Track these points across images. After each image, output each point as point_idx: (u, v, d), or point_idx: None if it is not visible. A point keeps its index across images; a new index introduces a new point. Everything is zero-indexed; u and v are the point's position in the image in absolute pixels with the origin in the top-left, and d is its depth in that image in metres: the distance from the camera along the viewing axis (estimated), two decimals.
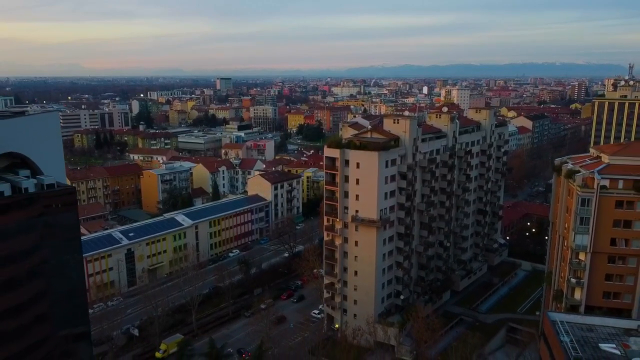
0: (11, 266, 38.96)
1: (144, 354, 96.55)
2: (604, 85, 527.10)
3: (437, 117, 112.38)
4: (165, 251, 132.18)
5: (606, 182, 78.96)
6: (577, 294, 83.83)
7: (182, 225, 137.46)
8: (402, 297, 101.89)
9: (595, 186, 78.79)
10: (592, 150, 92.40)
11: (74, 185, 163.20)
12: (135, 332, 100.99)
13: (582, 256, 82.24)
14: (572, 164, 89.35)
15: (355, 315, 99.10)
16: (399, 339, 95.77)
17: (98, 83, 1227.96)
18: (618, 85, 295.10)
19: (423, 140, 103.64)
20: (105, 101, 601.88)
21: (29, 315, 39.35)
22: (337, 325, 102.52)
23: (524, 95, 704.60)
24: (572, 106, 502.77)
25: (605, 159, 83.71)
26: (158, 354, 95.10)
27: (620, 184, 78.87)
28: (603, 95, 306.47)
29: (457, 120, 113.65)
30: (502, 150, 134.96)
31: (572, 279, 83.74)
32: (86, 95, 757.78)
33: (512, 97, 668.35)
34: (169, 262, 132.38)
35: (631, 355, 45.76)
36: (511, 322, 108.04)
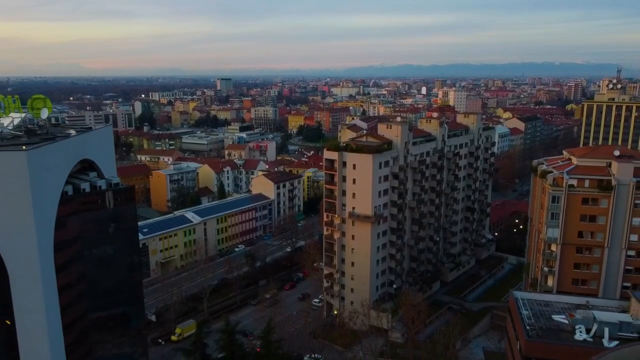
0: (95, 243, 49.86)
1: (161, 337, 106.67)
2: (600, 86, 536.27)
3: (427, 122, 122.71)
4: (176, 246, 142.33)
5: (574, 182, 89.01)
6: (550, 281, 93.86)
7: (192, 222, 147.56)
8: (394, 286, 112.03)
9: (564, 185, 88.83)
10: (564, 153, 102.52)
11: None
12: (153, 317, 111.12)
13: (553, 247, 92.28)
14: (546, 165, 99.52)
15: (352, 302, 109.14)
16: (391, 324, 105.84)
17: (98, 83, 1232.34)
18: (607, 88, 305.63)
19: (414, 144, 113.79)
20: (107, 102, 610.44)
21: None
22: (335, 312, 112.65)
23: (522, 96, 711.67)
24: (568, 107, 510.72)
25: (575, 160, 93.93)
26: (174, 337, 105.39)
27: (587, 183, 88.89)
28: (593, 97, 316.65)
29: (445, 125, 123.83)
30: (489, 152, 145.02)
31: (545, 268, 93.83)
32: (88, 96, 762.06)
33: (510, 97, 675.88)
34: (180, 256, 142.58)
35: (574, 322, 55.72)
36: (495, 310, 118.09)
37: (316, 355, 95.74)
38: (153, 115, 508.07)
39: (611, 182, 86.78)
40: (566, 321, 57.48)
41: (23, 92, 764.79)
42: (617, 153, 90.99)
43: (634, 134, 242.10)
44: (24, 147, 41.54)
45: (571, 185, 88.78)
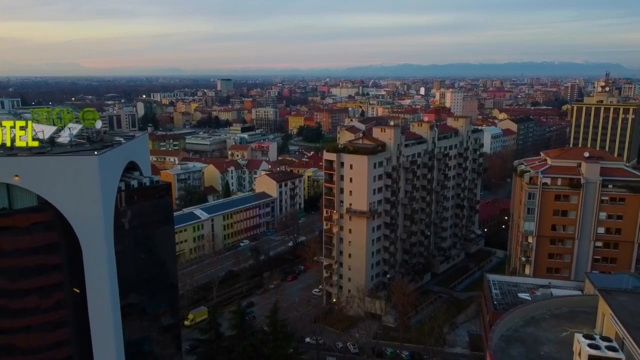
0: (146, 229, 61.58)
1: None
2: (595, 87, 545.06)
3: (418, 126, 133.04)
4: (186, 240, 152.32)
5: (548, 180, 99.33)
6: (527, 270, 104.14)
7: (200, 218, 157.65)
8: (388, 276, 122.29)
9: (539, 183, 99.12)
10: (542, 154, 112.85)
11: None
12: None
13: (530, 239, 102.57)
14: (525, 165, 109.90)
15: (349, 290, 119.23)
16: (385, 310, 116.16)
17: (99, 83, 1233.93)
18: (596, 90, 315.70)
19: (406, 146, 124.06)
20: (109, 102, 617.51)
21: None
22: (334, 300, 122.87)
23: (519, 96, 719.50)
24: (564, 107, 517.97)
25: (549, 161, 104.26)
26: (187, 322, 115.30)
27: (559, 182, 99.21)
28: (581, 100, 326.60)
29: (435, 128, 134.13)
30: (478, 153, 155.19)
31: (522, 258, 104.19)
32: (89, 97, 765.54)
33: (507, 98, 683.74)
34: (190, 249, 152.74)
35: (535, 298, 65.87)
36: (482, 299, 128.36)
37: (316, 338, 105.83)
38: (155, 116, 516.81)
39: (580, 181, 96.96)
40: (528, 297, 67.71)
41: (25, 92, 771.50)
42: (586, 154, 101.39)
43: (621, 134, 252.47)
44: (95, 152, 52.43)
45: (545, 184, 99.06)
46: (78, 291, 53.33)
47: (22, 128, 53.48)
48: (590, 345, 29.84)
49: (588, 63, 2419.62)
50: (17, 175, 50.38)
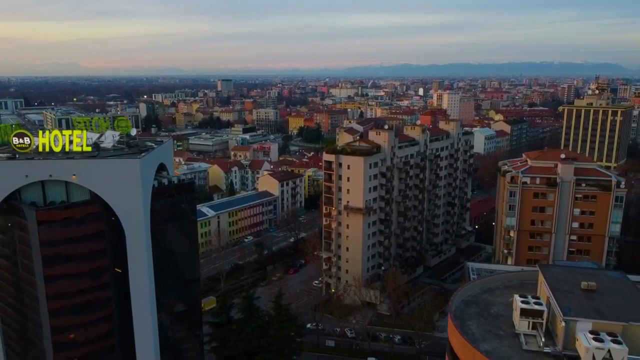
0: (175, 221, 71.97)
1: None
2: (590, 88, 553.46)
3: (411, 129, 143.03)
4: None
5: (527, 179, 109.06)
6: (509, 261, 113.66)
7: (207, 215, 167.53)
8: (383, 268, 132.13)
9: (519, 182, 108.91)
10: (523, 155, 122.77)
11: None
12: None
13: (511, 233, 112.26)
14: (508, 166, 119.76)
15: (346, 281, 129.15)
16: (379, 299, 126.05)
17: (99, 83, 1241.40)
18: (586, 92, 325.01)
19: (399, 147, 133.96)
20: (111, 103, 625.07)
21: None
22: (333, 290, 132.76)
23: (516, 97, 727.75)
24: (560, 108, 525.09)
25: (529, 162, 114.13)
26: None
27: (537, 181, 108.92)
28: (570, 102, 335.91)
29: (427, 131, 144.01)
30: (468, 154, 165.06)
31: (505, 251, 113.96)
32: (91, 97, 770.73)
33: (504, 99, 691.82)
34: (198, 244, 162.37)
35: None
36: None
37: (316, 324, 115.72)
38: (158, 117, 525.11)
39: (556, 180, 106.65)
40: None
41: (26, 92, 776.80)
42: (562, 156, 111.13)
43: (610, 136, 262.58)
44: (138, 156, 62.96)
45: (525, 182, 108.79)
46: (120, 271, 63.44)
47: (78, 136, 64.01)
48: (522, 302, 39.70)
49: (587, 63, 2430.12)
50: (74, 175, 60.74)
